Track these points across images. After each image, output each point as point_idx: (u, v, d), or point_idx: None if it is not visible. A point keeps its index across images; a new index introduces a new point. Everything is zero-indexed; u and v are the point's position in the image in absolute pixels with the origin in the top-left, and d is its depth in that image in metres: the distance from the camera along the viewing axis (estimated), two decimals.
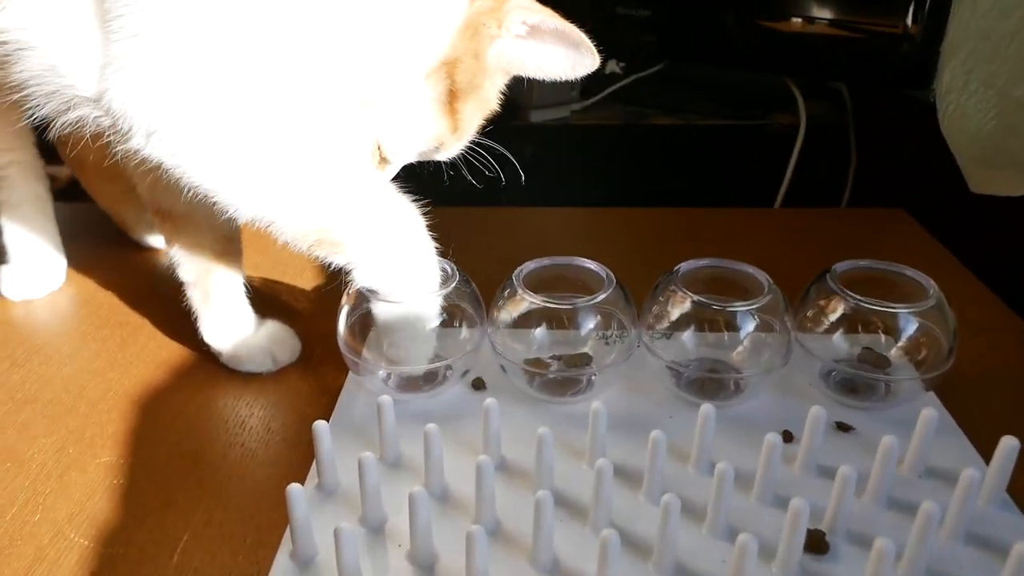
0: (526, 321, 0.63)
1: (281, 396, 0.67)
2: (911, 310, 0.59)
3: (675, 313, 0.62)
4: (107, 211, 0.94)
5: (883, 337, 0.63)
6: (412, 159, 0.66)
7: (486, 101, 0.64)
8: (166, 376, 0.70)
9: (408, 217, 0.59)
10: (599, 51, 0.60)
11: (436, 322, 0.62)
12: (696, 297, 0.60)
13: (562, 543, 0.49)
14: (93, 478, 0.58)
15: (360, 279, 0.59)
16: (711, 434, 0.55)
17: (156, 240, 0.95)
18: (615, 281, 0.63)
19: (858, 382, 0.62)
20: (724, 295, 0.63)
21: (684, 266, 0.64)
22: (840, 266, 0.63)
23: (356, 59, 0.56)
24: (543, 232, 1.02)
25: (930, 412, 0.54)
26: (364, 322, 0.63)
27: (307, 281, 0.86)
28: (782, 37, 1.32)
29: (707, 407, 0.54)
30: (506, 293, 0.63)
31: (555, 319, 0.63)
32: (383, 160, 0.64)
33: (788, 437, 0.59)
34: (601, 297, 0.61)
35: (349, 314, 0.62)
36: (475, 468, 0.49)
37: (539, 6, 0.61)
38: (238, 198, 0.53)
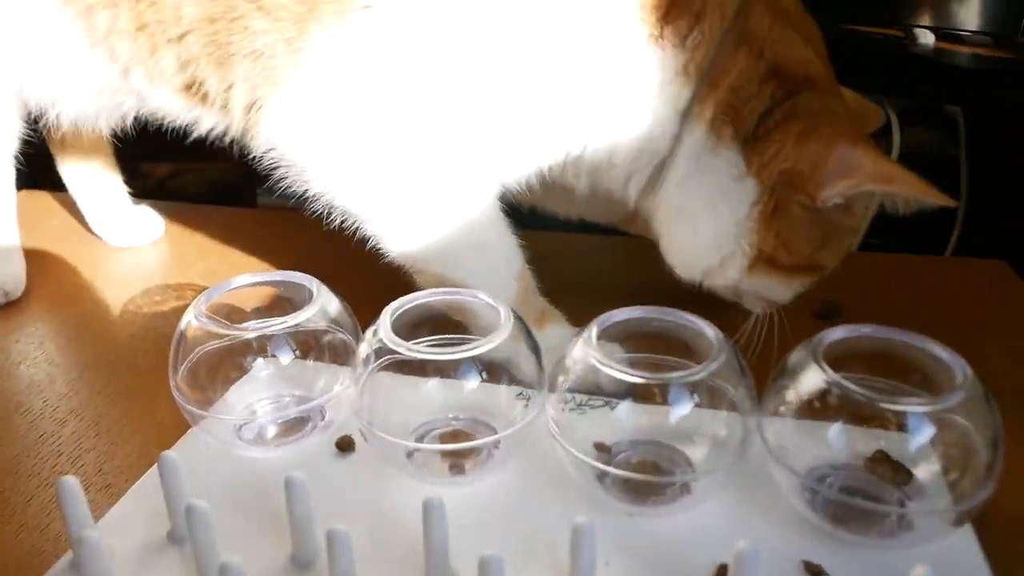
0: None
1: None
2: (927, 407, 0.40)
3: (589, 378, 0.45)
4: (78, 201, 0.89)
5: (886, 441, 0.43)
6: None
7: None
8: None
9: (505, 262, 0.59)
10: None
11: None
12: (598, 357, 0.43)
13: None
14: None
15: None
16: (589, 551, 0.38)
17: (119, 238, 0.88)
18: (512, 318, 0.48)
19: (849, 505, 0.43)
20: (668, 354, 0.46)
21: (615, 315, 0.47)
22: (831, 334, 0.44)
23: None
24: None
25: (923, 572, 0.34)
26: (209, 364, 0.51)
27: None
28: (883, 49, 1.12)
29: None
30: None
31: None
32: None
33: (722, 573, 0.41)
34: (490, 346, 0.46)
35: (184, 355, 0.50)
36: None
37: (871, 160, 0.52)
38: (422, 262, 0.59)
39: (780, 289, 0.59)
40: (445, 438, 0.50)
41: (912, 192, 0.51)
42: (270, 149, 0.58)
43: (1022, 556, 0.43)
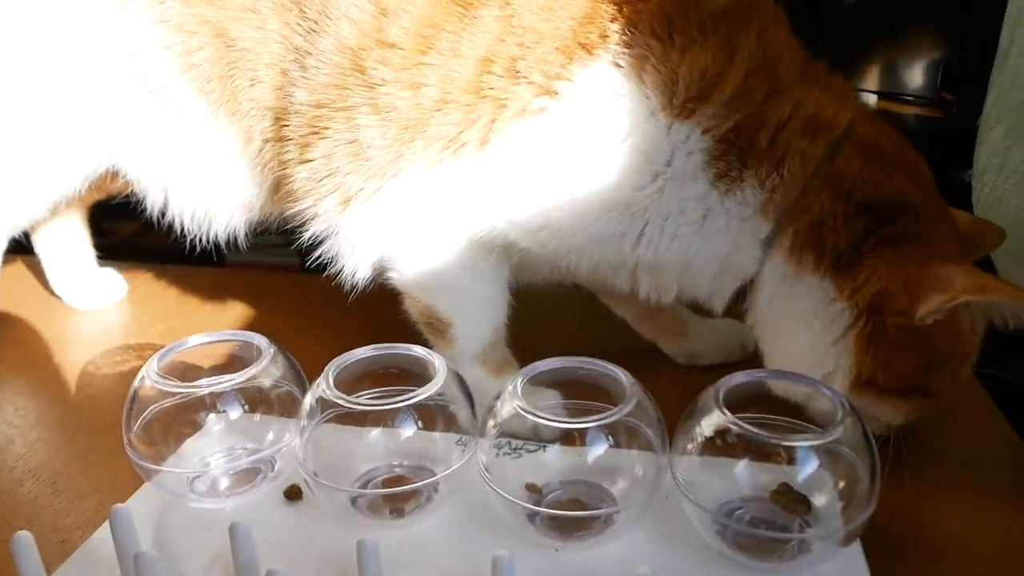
0: None
1: None
2: (815, 440, 0.45)
3: (515, 424, 0.49)
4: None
5: (784, 474, 0.48)
6: None
7: None
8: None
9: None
10: None
11: None
12: (521, 405, 0.48)
13: None
14: None
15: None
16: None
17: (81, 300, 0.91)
18: (446, 368, 0.52)
19: (754, 535, 0.47)
20: (586, 399, 0.50)
21: (539, 365, 0.52)
22: (732, 379, 0.49)
23: None
24: None
25: None
26: (162, 421, 0.53)
27: None
28: None
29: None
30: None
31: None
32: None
33: None
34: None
35: (138, 413, 0.52)
36: None
37: (964, 274, 0.51)
38: (423, 292, 0.64)
39: (887, 411, 0.57)
40: (388, 483, 0.54)
41: (1013, 301, 0.50)
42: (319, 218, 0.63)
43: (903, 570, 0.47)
